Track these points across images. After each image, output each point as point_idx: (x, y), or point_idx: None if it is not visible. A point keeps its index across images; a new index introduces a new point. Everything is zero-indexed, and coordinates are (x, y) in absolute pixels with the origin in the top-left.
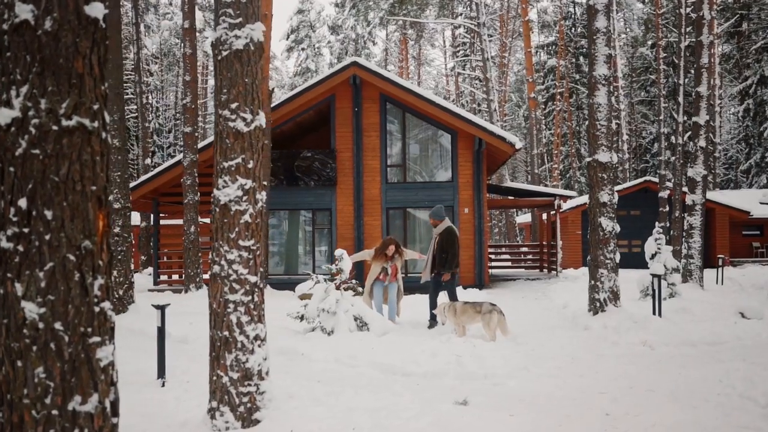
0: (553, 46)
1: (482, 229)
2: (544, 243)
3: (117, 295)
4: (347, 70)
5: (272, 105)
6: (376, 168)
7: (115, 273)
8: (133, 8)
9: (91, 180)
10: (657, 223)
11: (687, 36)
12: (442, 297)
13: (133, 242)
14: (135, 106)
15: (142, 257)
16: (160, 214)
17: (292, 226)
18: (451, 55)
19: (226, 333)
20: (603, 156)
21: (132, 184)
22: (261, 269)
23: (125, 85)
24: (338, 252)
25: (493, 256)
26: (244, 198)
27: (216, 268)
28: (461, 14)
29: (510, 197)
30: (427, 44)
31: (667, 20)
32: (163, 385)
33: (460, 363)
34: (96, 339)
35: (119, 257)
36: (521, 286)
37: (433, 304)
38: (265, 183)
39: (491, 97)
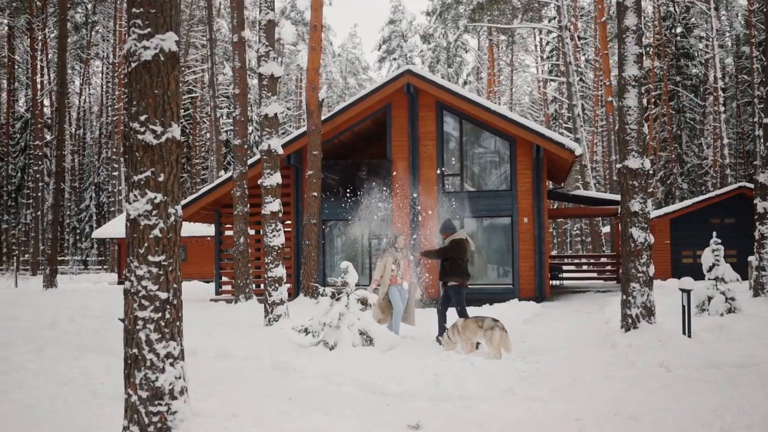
0: (649, 48)
1: (542, 239)
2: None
3: None
4: (401, 78)
5: (328, 115)
6: (433, 177)
7: None
8: (207, 25)
9: None
10: (714, 234)
11: None
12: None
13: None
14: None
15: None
16: (225, 225)
17: (349, 237)
18: (540, 60)
19: (136, 350)
20: (633, 162)
21: (192, 197)
22: (175, 285)
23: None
24: (344, 264)
25: (575, 267)
26: (154, 212)
27: (127, 284)
28: (554, 18)
29: (578, 205)
30: (520, 50)
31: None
32: None
33: (437, 383)
34: None
35: None
36: (584, 299)
37: (441, 318)
38: (315, 194)
39: (574, 102)
